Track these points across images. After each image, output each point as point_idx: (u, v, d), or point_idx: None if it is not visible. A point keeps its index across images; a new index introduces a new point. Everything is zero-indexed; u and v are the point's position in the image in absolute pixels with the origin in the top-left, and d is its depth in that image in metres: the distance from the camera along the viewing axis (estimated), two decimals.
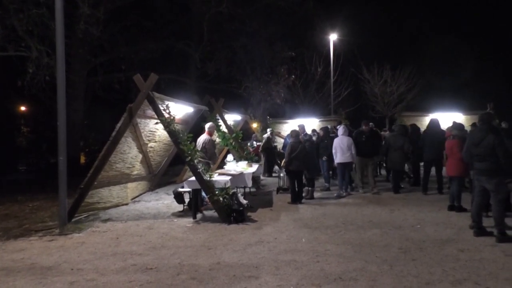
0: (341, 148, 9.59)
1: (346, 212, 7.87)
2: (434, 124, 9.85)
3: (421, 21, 31.88)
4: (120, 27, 16.64)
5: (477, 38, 29.57)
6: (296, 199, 8.79)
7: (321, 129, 11.17)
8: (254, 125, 18.08)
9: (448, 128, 8.30)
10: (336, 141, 9.78)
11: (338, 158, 9.68)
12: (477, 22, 30.30)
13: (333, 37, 24.28)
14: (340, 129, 9.95)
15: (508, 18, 28.84)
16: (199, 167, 7.55)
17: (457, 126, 8.03)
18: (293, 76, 21.68)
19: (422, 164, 10.35)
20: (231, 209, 7.18)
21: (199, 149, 8.92)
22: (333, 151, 9.78)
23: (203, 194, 7.88)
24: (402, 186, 10.36)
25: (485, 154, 5.67)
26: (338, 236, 6.16)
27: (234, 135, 12.21)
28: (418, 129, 11.31)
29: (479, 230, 5.90)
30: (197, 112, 11.20)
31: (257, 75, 18.56)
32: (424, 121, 17.01)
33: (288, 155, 8.84)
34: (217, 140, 11.62)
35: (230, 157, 10.51)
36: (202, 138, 8.92)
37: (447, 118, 14.74)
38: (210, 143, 8.81)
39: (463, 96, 24.96)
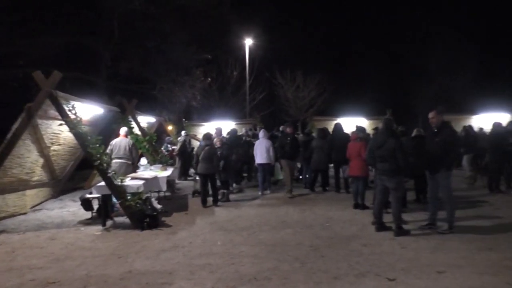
0: (260, 150, 10.14)
1: (260, 213, 8.04)
2: (338, 128, 10.60)
3: (330, 29, 33.87)
4: (17, 17, 15.08)
5: (378, 49, 32.21)
6: (203, 201, 8.79)
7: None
8: (169, 128, 17.68)
9: (353, 132, 8.92)
10: (256, 143, 10.44)
11: (257, 159, 10.29)
12: (379, 34, 33.04)
13: (248, 41, 24.75)
14: (261, 133, 10.64)
15: (403, 30, 31.87)
16: (110, 171, 7.16)
17: (361, 129, 8.68)
18: (209, 78, 21.66)
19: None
20: (144, 215, 6.92)
21: (121, 152, 8.84)
22: (254, 152, 10.42)
23: (114, 199, 7.48)
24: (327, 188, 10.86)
25: (386, 156, 6.19)
26: (252, 237, 6.26)
27: (147, 137, 11.81)
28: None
29: (380, 226, 6.42)
30: (107, 113, 10.62)
31: (172, 77, 18.18)
32: (333, 125, 18.09)
33: (196, 157, 9.00)
34: None
35: (143, 160, 10.13)
36: (124, 141, 9.07)
37: (353, 122, 15.86)
38: (134, 146, 9.17)
39: (366, 102, 27.04)
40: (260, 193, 10.31)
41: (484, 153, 10.43)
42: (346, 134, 10.25)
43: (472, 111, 20.48)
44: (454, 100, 25.62)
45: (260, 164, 10.28)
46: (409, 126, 11.58)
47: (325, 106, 25.87)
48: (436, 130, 6.33)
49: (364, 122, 19.02)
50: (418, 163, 7.16)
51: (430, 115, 6.40)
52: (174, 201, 9.75)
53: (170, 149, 14.29)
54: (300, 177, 12.16)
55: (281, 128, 12.47)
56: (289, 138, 9.89)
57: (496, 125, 9.91)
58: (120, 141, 9.05)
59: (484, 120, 18.20)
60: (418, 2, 33.86)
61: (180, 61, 18.30)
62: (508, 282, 4.18)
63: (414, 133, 8.71)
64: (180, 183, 12.72)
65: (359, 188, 8.26)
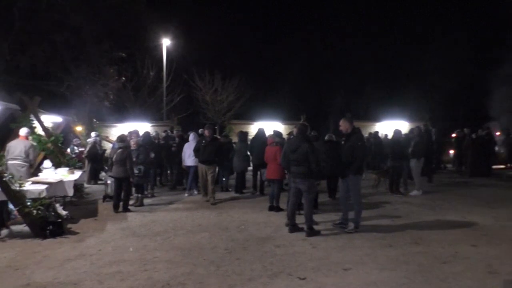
0: (189, 152, 10.25)
1: (176, 218, 7.86)
2: (261, 133, 10.92)
3: (249, 34, 34.48)
4: None
5: (295, 55, 33.44)
6: (115, 206, 8.40)
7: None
8: (78, 128, 16.51)
9: (270, 136, 9.17)
10: (185, 146, 10.59)
11: (186, 161, 10.47)
12: (296, 40, 34.32)
13: (166, 41, 24.18)
14: (191, 136, 10.84)
15: (318, 38, 33.55)
16: (6, 174, 6.47)
17: (278, 134, 8.93)
18: (123, 78, 20.69)
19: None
20: (47, 222, 6.36)
21: (16, 153, 8.20)
22: (182, 154, 10.61)
23: (11, 206, 6.77)
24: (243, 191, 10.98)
25: (300, 159, 6.44)
26: (167, 242, 6.09)
27: (52, 138, 10.89)
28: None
29: (293, 227, 6.65)
30: (5, 111, 9.60)
31: (83, 74, 17.01)
32: (250, 129, 18.42)
33: (109, 160, 8.71)
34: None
35: (47, 163, 9.31)
36: (22, 143, 8.41)
37: (269, 127, 16.27)
38: (33, 148, 8.56)
39: (282, 107, 27.99)
40: (186, 194, 10.58)
41: (387, 158, 11.40)
42: (265, 139, 10.59)
43: (376, 118, 22.22)
44: (361, 108, 27.60)
45: (188, 166, 10.52)
46: (321, 131, 12.25)
47: (243, 110, 26.20)
48: (345, 136, 6.78)
49: (280, 126, 19.66)
50: (330, 166, 7.64)
51: (340, 122, 6.86)
52: (82, 206, 9.12)
53: (78, 151, 13.38)
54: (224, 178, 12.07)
55: (200, 131, 12.37)
56: (204, 141, 9.35)
57: (396, 132, 10.85)
58: (17, 143, 8.40)
59: (386, 127, 19.89)
60: (335, 10, 35.81)
61: (91, 58, 17.19)
62: (405, 276, 4.57)
63: (326, 138, 9.23)
64: (89, 188, 11.96)
65: (274, 190, 8.49)
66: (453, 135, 17.41)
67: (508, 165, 16.92)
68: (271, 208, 8.43)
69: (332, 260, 5.19)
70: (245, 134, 11.78)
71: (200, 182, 10.01)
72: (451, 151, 17.27)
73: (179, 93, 25.62)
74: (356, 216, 6.67)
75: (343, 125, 6.79)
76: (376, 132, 17.04)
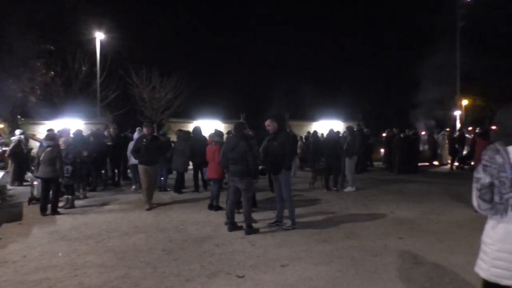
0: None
1: (110, 219, 7.53)
2: (197, 131, 10.80)
3: (188, 30, 34.03)
4: None
5: (235, 54, 33.60)
6: (43, 209, 7.90)
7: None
8: (0, 126, 15.25)
9: (210, 135, 9.12)
10: (130, 144, 10.30)
11: (131, 159, 10.30)
12: (235, 39, 34.46)
13: (100, 35, 23.09)
14: (136, 134, 10.92)
15: (257, 37, 33.97)
16: None
17: (218, 134, 8.86)
18: (52, 72, 19.44)
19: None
20: None
21: None
22: (128, 153, 10.37)
23: None
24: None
25: (238, 158, 6.45)
26: (100, 246, 5.82)
27: None
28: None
29: (232, 226, 6.65)
30: None
31: (5, 67, 15.73)
32: (189, 128, 18.15)
33: (36, 159, 8.15)
34: None
35: None
36: None
37: (209, 125, 16.17)
38: None
39: (222, 105, 27.92)
40: (133, 187, 11.04)
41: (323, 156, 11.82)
42: (205, 137, 10.56)
43: (313, 118, 22.93)
44: (298, 108, 28.31)
45: (134, 165, 10.39)
46: (262, 130, 12.39)
47: (182, 108, 25.76)
48: (273, 135, 6.89)
49: (220, 125, 19.60)
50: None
51: (267, 123, 6.94)
52: (5, 210, 8.43)
53: (1, 150, 12.36)
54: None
55: (137, 129, 11.98)
56: (145, 140, 8.65)
57: (331, 131, 11.28)
58: None
59: (322, 127, 20.60)
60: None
61: (15, 49, 15.94)
62: (339, 270, 4.75)
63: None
64: (13, 189, 11.07)
65: (213, 189, 8.44)
66: (384, 134, 18.45)
67: (432, 162, 18.34)
68: (211, 207, 8.37)
69: (270, 257, 5.25)
70: (188, 132, 11.52)
71: (142, 184, 9.00)
72: (382, 150, 18.30)
73: (115, 89, 24.62)
74: (291, 213, 6.82)
75: (271, 125, 6.91)
76: (315, 132, 17.59)
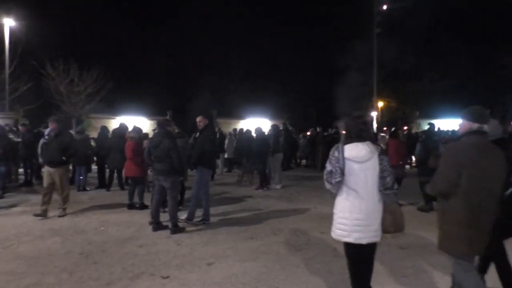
0: None
1: (20, 222, 6.92)
2: (121, 130, 10.39)
3: (111, 22, 32.31)
4: None
5: (162, 49, 32.62)
6: None
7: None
8: None
9: (128, 132, 8.80)
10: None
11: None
12: (163, 36, 33.43)
13: (9, 21, 21.09)
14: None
15: (185, 32, 33.38)
16: None
17: (136, 130, 8.54)
18: None
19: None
20: None
21: None
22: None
23: None
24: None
25: (162, 156, 6.28)
26: (8, 251, 5.32)
27: None
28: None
29: (157, 225, 6.46)
30: None
31: None
32: (111, 124, 17.32)
33: None
34: None
35: None
36: None
37: (133, 122, 15.54)
38: None
39: (147, 101, 27.03)
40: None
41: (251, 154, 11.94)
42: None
43: (241, 116, 23.08)
44: (226, 105, 28.34)
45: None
46: (189, 128, 12.20)
47: (103, 103, 24.42)
48: (200, 131, 6.93)
49: (145, 122, 18.95)
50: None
51: (198, 119, 7.03)
52: None
53: None
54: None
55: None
56: (47, 137, 7.70)
57: (258, 130, 11.43)
58: None
59: (250, 125, 20.81)
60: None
61: None
62: (265, 266, 4.83)
63: (197, 135, 9.31)
64: None
65: (137, 188, 8.15)
66: (308, 133, 19.15)
67: None
68: (131, 206, 8.07)
69: (196, 256, 5.18)
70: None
71: (44, 188, 7.74)
72: (306, 148, 18.95)
73: (27, 81, 22.58)
74: (206, 209, 6.85)
75: (203, 121, 6.99)
76: (241, 129, 17.71)
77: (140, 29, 35.11)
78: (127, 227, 6.67)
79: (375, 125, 26.17)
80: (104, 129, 11.46)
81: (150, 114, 21.99)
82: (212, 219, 6.98)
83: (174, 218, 6.37)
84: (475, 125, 3.22)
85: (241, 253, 5.30)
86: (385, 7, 25.14)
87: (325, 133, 16.83)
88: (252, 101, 27.57)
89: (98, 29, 29.68)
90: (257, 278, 4.42)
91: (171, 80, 31.98)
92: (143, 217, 7.30)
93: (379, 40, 25.95)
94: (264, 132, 11.75)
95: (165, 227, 6.42)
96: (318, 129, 17.42)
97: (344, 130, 3.50)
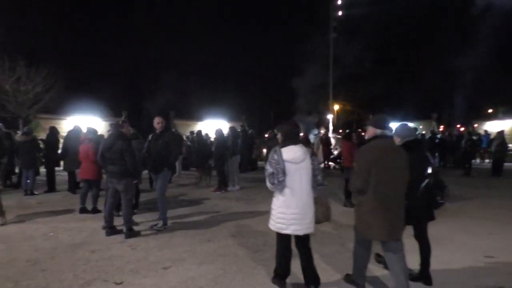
0: None
1: None
2: (75, 129, 10.02)
3: (62, 18, 31.04)
4: None
5: (117, 48, 31.72)
6: None
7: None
8: None
9: (83, 133, 8.45)
10: None
11: None
12: (117, 34, 32.49)
13: None
14: None
15: (142, 32, 32.59)
16: None
17: (91, 131, 8.23)
18: None
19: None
20: None
21: None
22: None
23: None
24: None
25: (115, 158, 6.09)
26: None
27: None
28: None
29: (111, 230, 6.25)
30: None
31: None
32: (62, 125, 16.62)
33: None
34: None
35: None
36: None
37: (86, 122, 14.97)
38: None
39: (101, 101, 26.08)
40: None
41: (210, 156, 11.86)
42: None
43: (199, 117, 22.89)
44: (184, 107, 27.98)
45: None
46: (145, 129, 11.89)
47: (54, 103, 23.27)
48: (159, 133, 6.74)
49: (99, 123, 18.33)
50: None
51: (157, 120, 6.78)
52: None
53: None
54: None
55: None
56: None
57: (218, 131, 11.36)
58: None
59: (208, 126, 20.69)
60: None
61: None
62: (222, 268, 4.80)
63: (150, 137, 9.08)
64: None
65: (91, 191, 7.86)
66: (266, 135, 19.29)
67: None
68: (84, 210, 7.77)
69: (151, 260, 5.07)
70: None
71: None
72: (264, 150, 19.11)
73: None
74: (163, 213, 6.69)
75: (162, 123, 6.78)
76: (200, 131, 17.57)
77: (95, 25, 33.96)
78: (78, 232, 6.40)
79: (331, 128, 26.78)
80: (53, 130, 10.90)
81: (104, 115, 21.28)
82: (169, 222, 6.85)
83: (128, 222, 6.19)
84: (378, 131, 3.83)
85: (198, 256, 5.23)
86: (340, 13, 25.83)
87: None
88: (211, 103, 27.42)
89: (48, 24, 28.37)
90: (214, 281, 4.38)
91: (127, 79, 31.14)
92: (96, 221, 7.05)
93: (335, 45, 26.63)
94: (223, 134, 11.69)
95: (119, 232, 6.23)
96: (275, 131, 17.55)
97: (281, 134, 4.09)
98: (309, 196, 3.90)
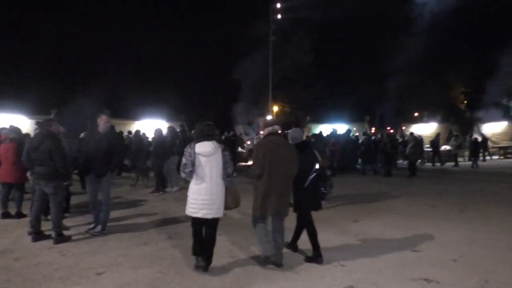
0: None
1: None
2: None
3: None
4: None
5: (43, 40, 29.52)
6: None
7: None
8: None
9: (4, 132, 7.79)
10: None
11: None
12: (43, 26, 30.25)
13: None
14: None
15: (73, 25, 30.75)
16: None
17: (13, 129, 7.58)
18: None
19: None
20: None
21: None
22: None
23: None
24: None
25: (43, 158, 5.70)
26: None
27: None
28: None
29: (38, 235, 5.85)
30: None
31: None
32: None
33: None
34: None
35: None
36: None
37: (10, 120, 13.89)
38: None
39: (28, 98, 24.28)
40: None
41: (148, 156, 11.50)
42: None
43: (135, 117, 22.14)
44: (120, 106, 26.92)
45: None
46: (77, 128, 11.26)
47: None
48: (103, 133, 6.38)
49: (24, 121, 17.05)
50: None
51: (104, 119, 6.40)
52: None
53: None
54: None
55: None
56: None
57: (157, 131, 11.05)
58: None
59: (146, 126, 20.10)
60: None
61: None
62: (160, 271, 4.67)
63: (82, 135, 8.65)
64: None
65: (14, 195, 7.30)
66: None
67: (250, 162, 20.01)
68: (5, 215, 7.21)
69: (83, 266, 4.81)
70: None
71: None
72: None
73: None
74: (105, 217, 6.39)
75: (107, 121, 6.41)
76: (138, 131, 17.03)
77: (21, 16, 31.46)
78: (0, 239, 5.91)
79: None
80: None
81: (31, 113, 19.83)
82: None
83: (58, 226, 5.83)
84: (270, 129, 4.86)
85: (134, 260, 5.05)
86: (279, 16, 26.35)
87: (223, 136, 16.99)
88: (149, 102, 26.60)
89: None
90: (151, 285, 4.26)
91: (57, 75, 29.20)
92: (20, 226, 6.57)
93: (275, 47, 27.10)
94: (162, 134, 11.41)
95: (48, 237, 5.85)
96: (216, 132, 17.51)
97: (195, 133, 4.93)
98: (218, 185, 4.55)
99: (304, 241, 5.24)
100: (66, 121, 11.34)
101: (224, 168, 4.60)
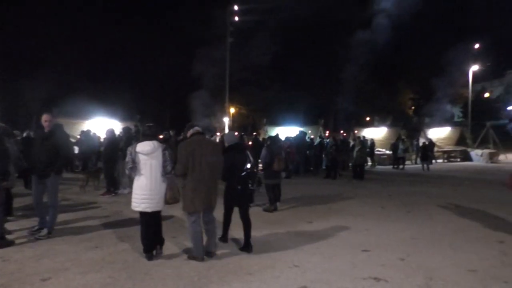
0: None
1: None
2: None
3: None
4: None
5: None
6: None
7: None
8: None
9: None
10: None
11: None
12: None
13: None
14: None
15: (21, 23, 29.12)
16: None
17: None
18: None
19: None
20: None
21: None
22: None
23: None
24: None
25: None
26: None
27: None
28: None
29: None
30: None
31: None
32: None
33: None
34: None
35: None
36: None
37: None
38: None
39: None
40: None
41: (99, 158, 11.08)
42: None
43: (86, 116, 21.32)
44: (69, 104, 25.81)
45: None
46: (22, 127, 10.67)
47: None
48: (48, 132, 6.06)
49: None
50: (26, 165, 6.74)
51: (45, 117, 6.06)
52: None
53: None
54: None
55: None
56: None
57: (110, 132, 10.68)
58: None
59: (96, 125, 19.40)
60: None
61: None
62: (110, 276, 4.51)
63: (25, 134, 8.16)
64: None
65: None
66: (161, 136, 18.76)
67: None
68: None
69: (27, 272, 4.55)
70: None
71: None
72: None
73: None
74: (52, 220, 6.10)
75: (52, 121, 6.09)
76: (88, 131, 16.41)
77: None
78: None
79: (227, 130, 27.14)
80: None
81: None
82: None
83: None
84: (196, 129, 5.17)
85: (83, 265, 4.85)
86: (236, 18, 26.39)
87: (179, 137, 16.74)
88: (101, 101, 25.66)
89: None
90: None
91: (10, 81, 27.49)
92: None
93: (232, 49, 27.09)
94: (115, 134, 11.04)
95: None
96: (171, 133, 17.23)
97: (141, 134, 5.31)
98: (158, 181, 4.92)
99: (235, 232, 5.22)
100: (6, 118, 10.70)
101: (164, 166, 4.97)
